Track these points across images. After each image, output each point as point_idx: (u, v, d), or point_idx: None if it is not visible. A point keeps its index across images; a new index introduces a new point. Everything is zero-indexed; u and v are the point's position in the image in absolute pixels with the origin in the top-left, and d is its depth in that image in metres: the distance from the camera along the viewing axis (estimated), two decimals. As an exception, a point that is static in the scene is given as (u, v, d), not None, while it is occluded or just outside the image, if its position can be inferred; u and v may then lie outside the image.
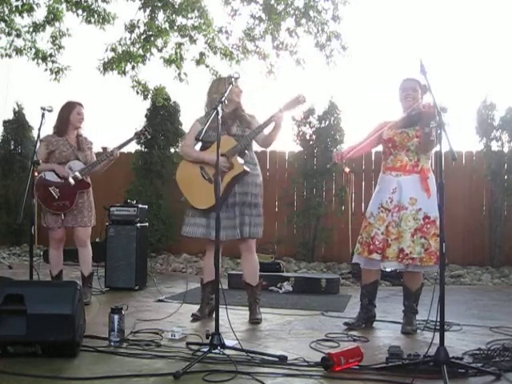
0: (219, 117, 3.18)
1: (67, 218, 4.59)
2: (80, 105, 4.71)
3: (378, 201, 3.79)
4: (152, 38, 7.34)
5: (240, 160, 3.86)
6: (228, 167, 3.82)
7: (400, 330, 3.76)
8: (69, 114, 4.64)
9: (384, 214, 3.73)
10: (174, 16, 7.26)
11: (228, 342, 3.08)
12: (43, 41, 7.50)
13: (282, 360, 2.95)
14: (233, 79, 3.41)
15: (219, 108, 3.17)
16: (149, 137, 5.06)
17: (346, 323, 3.90)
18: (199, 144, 4.03)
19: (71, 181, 4.46)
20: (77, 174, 4.51)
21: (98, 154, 4.88)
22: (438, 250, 3.58)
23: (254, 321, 3.97)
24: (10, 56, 7.53)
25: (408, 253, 3.61)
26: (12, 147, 9.22)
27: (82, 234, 4.66)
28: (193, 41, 7.50)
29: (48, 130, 4.71)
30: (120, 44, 7.38)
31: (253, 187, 3.98)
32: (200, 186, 3.94)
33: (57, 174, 4.55)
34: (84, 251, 4.71)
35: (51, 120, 4.66)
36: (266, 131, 3.93)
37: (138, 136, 4.77)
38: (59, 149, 4.61)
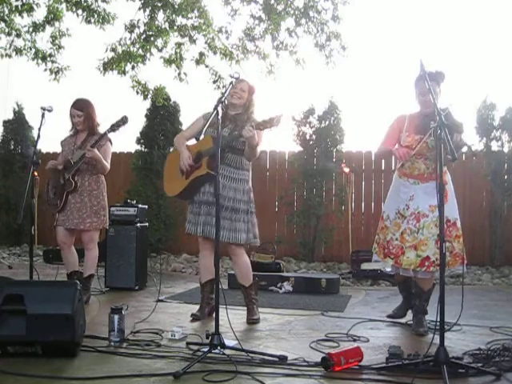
0: (219, 117, 3.19)
1: (62, 217, 4.58)
2: (72, 106, 4.62)
3: (396, 205, 3.76)
4: (152, 38, 7.34)
5: (210, 162, 3.81)
6: (196, 167, 3.94)
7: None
8: (70, 117, 4.67)
9: (400, 220, 3.72)
10: (173, 16, 7.26)
11: (228, 342, 3.08)
12: (43, 41, 7.51)
13: (281, 360, 2.95)
14: (233, 79, 3.40)
15: (219, 108, 3.17)
16: (124, 126, 4.60)
17: (388, 316, 4.05)
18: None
19: (60, 179, 4.54)
20: (65, 172, 4.54)
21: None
22: (461, 251, 3.65)
23: (251, 321, 3.97)
24: (9, 56, 7.53)
25: (434, 260, 3.57)
26: (12, 147, 9.22)
27: (83, 237, 4.66)
28: (193, 41, 7.51)
29: (48, 130, 4.71)
30: (120, 44, 7.38)
31: (227, 190, 3.92)
32: (175, 175, 4.11)
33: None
34: (86, 253, 4.70)
35: (51, 120, 4.66)
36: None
37: (112, 129, 4.49)
38: (64, 148, 4.70)
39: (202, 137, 3.56)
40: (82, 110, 4.60)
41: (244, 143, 3.86)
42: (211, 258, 4.10)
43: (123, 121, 4.50)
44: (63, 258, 4.76)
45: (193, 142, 4.03)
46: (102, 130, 4.66)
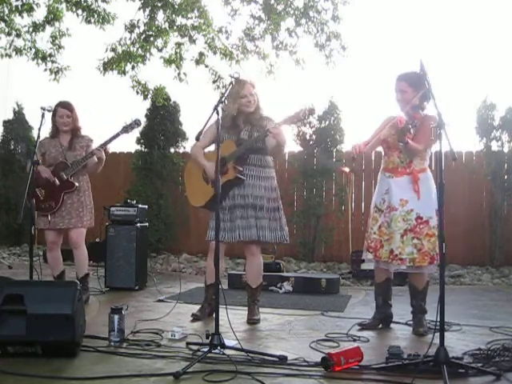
0: (219, 117, 3.19)
1: (56, 219, 4.54)
2: (61, 106, 4.59)
3: (374, 201, 3.85)
4: (152, 38, 7.35)
5: (237, 166, 3.86)
6: (222, 173, 3.85)
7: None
8: (54, 118, 4.62)
9: (377, 214, 3.78)
10: (173, 16, 7.26)
11: (228, 342, 3.08)
12: (43, 41, 7.51)
13: (281, 360, 2.95)
14: (233, 79, 3.40)
15: (219, 108, 3.17)
16: (137, 128, 4.70)
17: (359, 324, 3.85)
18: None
19: (56, 181, 4.48)
20: (61, 174, 4.50)
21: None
22: (431, 250, 3.61)
23: (251, 321, 3.97)
24: (10, 56, 7.53)
25: (397, 254, 3.63)
26: (12, 147, 9.22)
27: (73, 235, 4.60)
28: (192, 41, 7.51)
29: (48, 130, 4.72)
30: (120, 44, 7.38)
31: (257, 190, 3.94)
32: (199, 185, 4.05)
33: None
34: (77, 253, 4.65)
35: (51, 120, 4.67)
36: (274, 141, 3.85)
37: (126, 130, 4.52)
38: (49, 150, 4.61)
39: (201, 137, 3.52)
40: (71, 111, 4.62)
41: (264, 142, 3.89)
42: (221, 263, 4.09)
43: (136, 123, 4.54)
44: (52, 260, 4.70)
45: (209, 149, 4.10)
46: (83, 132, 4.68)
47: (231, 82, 3.42)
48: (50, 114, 4.45)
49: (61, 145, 4.61)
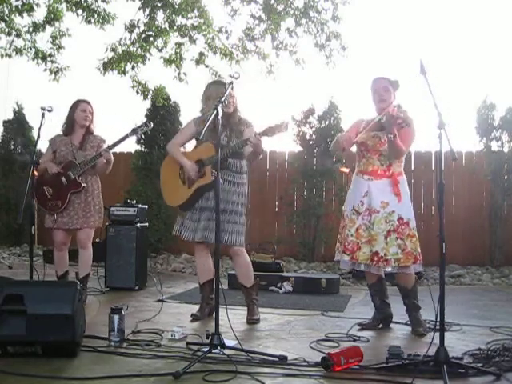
0: (219, 117, 3.18)
1: (63, 219, 4.54)
2: (85, 102, 4.67)
3: (352, 202, 3.81)
4: (152, 38, 7.35)
5: (214, 171, 3.81)
6: (199, 175, 3.94)
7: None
8: (73, 113, 4.64)
9: (355, 216, 3.75)
10: (173, 16, 7.26)
11: (228, 342, 3.08)
12: (43, 41, 7.51)
13: (281, 360, 2.95)
14: (233, 80, 3.39)
15: (219, 108, 3.17)
16: (148, 131, 4.81)
17: (359, 324, 3.86)
18: (193, 141, 4.16)
19: (63, 180, 4.49)
20: (69, 173, 4.50)
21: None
22: (414, 250, 3.63)
23: (251, 321, 3.98)
24: (9, 56, 7.54)
25: (382, 255, 3.62)
26: (12, 147, 9.22)
27: (81, 236, 4.61)
28: (193, 41, 7.51)
29: (48, 130, 4.70)
30: (120, 44, 7.38)
31: (231, 195, 3.97)
32: (175, 184, 4.08)
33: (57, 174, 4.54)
34: (83, 253, 4.65)
35: (51, 120, 4.66)
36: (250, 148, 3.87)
37: (135, 132, 4.52)
38: (59, 148, 4.62)
39: (201, 137, 3.50)
40: (92, 107, 4.69)
41: (243, 147, 3.90)
42: (207, 259, 4.14)
43: (146, 125, 4.57)
44: (59, 259, 4.70)
45: (188, 147, 4.16)
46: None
47: (231, 82, 3.41)
48: (51, 113, 4.43)
49: (72, 144, 4.62)
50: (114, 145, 4.52)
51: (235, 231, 3.96)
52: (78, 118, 4.63)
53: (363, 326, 3.82)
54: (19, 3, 7.13)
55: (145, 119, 8.30)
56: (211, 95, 4.01)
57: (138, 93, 7.60)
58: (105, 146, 4.63)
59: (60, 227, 4.57)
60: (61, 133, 4.72)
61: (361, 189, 3.77)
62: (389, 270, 3.74)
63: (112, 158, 4.56)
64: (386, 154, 3.71)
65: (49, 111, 4.18)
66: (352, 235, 3.73)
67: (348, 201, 3.89)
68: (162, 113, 8.27)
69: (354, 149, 3.96)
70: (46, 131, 4.66)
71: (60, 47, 7.56)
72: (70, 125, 4.67)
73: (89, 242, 4.66)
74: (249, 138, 3.74)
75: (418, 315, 3.74)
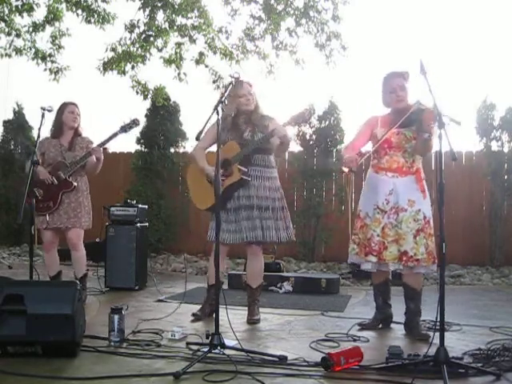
0: (219, 117, 3.18)
1: (54, 219, 4.53)
2: (73, 104, 4.66)
3: (373, 201, 3.71)
4: (152, 38, 7.35)
5: (241, 168, 3.85)
6: (226, 174, 3.88)
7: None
8: (61, 115, 4.63)
9: (380, 215, 3.66)
10: (173, 16, 7.27)
11: (228, 342, 3.08)
12: (43, 41, 7.53)
13: (281, 360, 2.95)
14: (233, 79, 3.40)
15: (219, 108, 3.17)
16: (136, 127, 4.65)
17: (359, 324, 3.83)
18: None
19: (54, 180, 4.48)
20: (59, 173, 4.50)
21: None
22: (433, 249, 3.59)
23: (252, 321, 3.98)
24: (9, 56, 7.55)
25: (412, 255, 3.56)
26: (12, 147, 9.22)
27: (71, 236, 4.58)
28: (192, 41, 7.52)
29: (48, 130, 4.72)
30: (120, 44, 7.39)
31: (262, 190, 3.94)
32: (203, 187, 4.02)
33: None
34: (76, 254, 4.63)
35: (51, 120, 4.67)
36: (277, 141, 3.85)
37: (124, 130, 4.50)
38: (48, 150, 4.61)
39: (201, 137, 3.50)
40: (79, 110, 4.68)
41: (268, 142, 3.88)
42: (223, 262, 4.10)
43: (135, 123, 4.53)
44: (49, 260, 4.69)
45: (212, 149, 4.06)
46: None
47: (231, 82, 3.42)
48: (51, 113, 4.43)
49: (61, 145, 4.61)
50: (103, 143, 4.52)
51: (269, 227, 3.90)
52: (66, 119, 4.63)
53: (363, 326, 3.80)
54: (19, 3, 7.14)
55: (144, 119, 8.32)
56: (236, 95, 3.92)
57: (137, 93, 7.61)
58: (93, 146, 4.61)
59: (50, 227, 4.56)
60: (48, 136, 4.70)
61: (385, 187, 3.67)
62: (420, 270, 3.65)
63: (102, 156, 4.52)
64: (411, 150, 3.65)
65: (49, 111, 4.17)
66: (378, 235, 3.65)
67: (367, 200, 3.77)
68: (161, 113, 8.27)
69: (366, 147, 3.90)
70: (46, 131, 4.69)
71: (60, 47, 7.57)
72: (58, 127, 4.66)
73: (80, 242, 4.62)
74: (274, 129, 3.74)
75: (419, 320, 3.71)
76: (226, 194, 3.91)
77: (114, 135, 4.52)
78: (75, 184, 4.55)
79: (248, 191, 3.92)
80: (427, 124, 3.45)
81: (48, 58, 7.51)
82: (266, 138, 3.82)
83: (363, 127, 3.86)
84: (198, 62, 7.59)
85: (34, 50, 7.48)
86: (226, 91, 3.33)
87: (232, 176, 3.89)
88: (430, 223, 3.62)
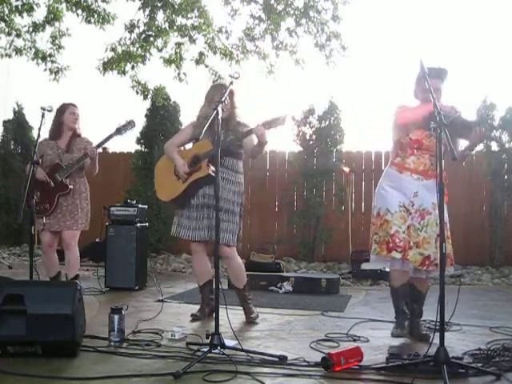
0: (219, 117, 3.18)
1: (51, 221, 4.52)
2: (73, 105, 4.67)
3: (398, 199, 3.57)
4: (152, 38, 7.35)
5: (210, 165, 3.83)
6: (194, 170, 3.92)
7: (411, 335, 3.61)
8: (61, 116, 4.63)
9: (406, 214, 3.55)
10: (173, 16, 7.27)
11: (228, 342, 3.08)
12: (43, 41, 7.52)
13: (281, 360, 2.95)
14: (232, 80, 3.39)
15: (219, 108, 3.17)
16: (132, 129, 4.66)
17: (393, 334, 3.57)
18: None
19: (50, 182, 4.48)
20: (56, 175, 4.49)
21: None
22: (451, 251, 3.53)
23: (250, 320, 3.99)
24: (9, 56, 7.54)
25: (433, 259, 3.48)
26: (12, 147, 9.22)
27: (65, 237, 4.57)
28: (192, 41, 7.51)
29: (48, 130, 4.71)
30: (120, 44, 7.39)
31: (227, 193, 3.94)
32: (169, 179, 4.07)
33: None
34: (69, 254, 4.61)
35: (51, 120, 4.67)
36: (255, 142, 3.85)
37: (119, 132, 4.51)
38: (46, 153, 4.60)
39: (201, 136, 3.49)
40: (79, 110, 4.69)
41: (240, 146, 3.92)
42: (205, 260, 4.14)
43: (131, 125, 4.55)
44: (47, 261, 4.68)
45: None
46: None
47: (231, 82, 3.41)
48: (51, 114, 4.43)
49: (58, 147, 4.61)
50: (99, 145, 4.52)
51: (228, 230, 3.90)
52: (67, 120, 4.63)
53: (400, 336, 3.55)
54: (19, 3, 7.14)
55: (144, 119, 8.32)
56: (212, 99, 3.94)
57: (137, 93, 7.61)
58: (91, 146, 4.62)
59: (47, 229, 4.55)
60: (46, 137, 4.69)
61: (410, 188, 3.57)
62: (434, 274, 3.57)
63: (96, 156, 4.51)
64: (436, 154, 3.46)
65: (49, 111, 4.17)
66: (404, 232, 3.52)
67: (389, 196, 3.60)
68: (162, 113, 8.27)
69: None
70: (46, 131, 4.69)
71: (60, 47, 7.57)
72: (57, 128, 4.65)
73: (74, 243, 4.61)
74: (252, 128, 3.75)
75: (420, 320, 3.69)
76: (191, 189, 3.96)
77: (109, 137, 4.52)
78: (71, 187, 4.54)
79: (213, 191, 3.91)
80: (474, 143, 3.45)
81: (48, 58, 7.51)
82: (241, 136, 3.84)
83: (402, 109, 3.68)
84: (197, 62, 7.59)
85: (34, 50, 7.48)
86: (225, 91, 3.33)
87: (199, 171, 3.91)
88: (448, 225, 3.54)
